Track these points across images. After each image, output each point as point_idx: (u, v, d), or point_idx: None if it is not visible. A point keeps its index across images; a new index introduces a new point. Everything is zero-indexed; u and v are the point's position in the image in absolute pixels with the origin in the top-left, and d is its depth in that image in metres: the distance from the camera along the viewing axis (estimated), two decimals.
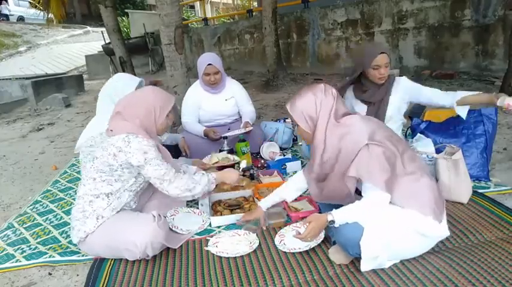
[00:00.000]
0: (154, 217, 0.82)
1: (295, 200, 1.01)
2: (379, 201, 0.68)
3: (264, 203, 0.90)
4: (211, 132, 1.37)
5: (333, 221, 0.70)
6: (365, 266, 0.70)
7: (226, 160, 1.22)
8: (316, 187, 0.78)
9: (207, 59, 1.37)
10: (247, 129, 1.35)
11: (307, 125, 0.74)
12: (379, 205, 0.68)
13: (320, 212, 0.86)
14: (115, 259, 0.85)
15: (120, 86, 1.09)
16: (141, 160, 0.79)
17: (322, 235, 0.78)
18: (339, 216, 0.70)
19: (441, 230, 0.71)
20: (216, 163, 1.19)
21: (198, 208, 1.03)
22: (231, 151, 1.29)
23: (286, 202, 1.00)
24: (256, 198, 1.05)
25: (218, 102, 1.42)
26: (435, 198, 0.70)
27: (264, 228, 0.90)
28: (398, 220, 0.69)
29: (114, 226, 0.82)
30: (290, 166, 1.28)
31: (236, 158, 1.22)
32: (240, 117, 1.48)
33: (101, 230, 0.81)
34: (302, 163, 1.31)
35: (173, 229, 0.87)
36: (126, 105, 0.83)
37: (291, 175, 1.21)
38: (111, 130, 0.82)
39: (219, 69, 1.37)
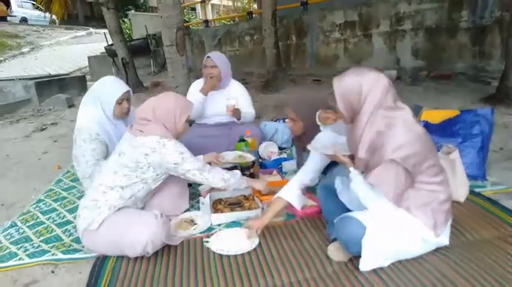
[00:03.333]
0: (157, 215, 0.83)
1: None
2: (384, 207, 0.68)
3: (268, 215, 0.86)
4: (205, 87, 1.35)
5: (349, 171, 0.70)
6: (364, 265, 0.70)
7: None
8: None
9: (209, 54, 1.41)
10: (231, 107, 1.32)
11: (344, 107, 0.70)
12: (384, 209, 0.68)
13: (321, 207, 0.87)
14: (117, 257, 0.86)
15: (103, 93, 1.06)
16: (179, 159, 0.86)
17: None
18: (357, 179, 0.70)
19: (442, 239, 0.72)
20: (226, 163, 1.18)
21: (199, 209, 1.04)
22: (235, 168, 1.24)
23: None
24: (256, 196, 1.05)
25: (219, 100, 1.42)
26: (443, 214, 0.70)
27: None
28: (401, 222, 0.69)
29: (117, 221, 0.83)
30: (286, 166, 1.29)
31: (250, 156, 1.18)
32: None
33: (104, 224, 0.83)
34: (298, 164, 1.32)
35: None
36: (152, 109, 0.88)
37: (289, 174, 1.22)
38: (141, 131, 0.86)
39: (216, 63, 1.37)
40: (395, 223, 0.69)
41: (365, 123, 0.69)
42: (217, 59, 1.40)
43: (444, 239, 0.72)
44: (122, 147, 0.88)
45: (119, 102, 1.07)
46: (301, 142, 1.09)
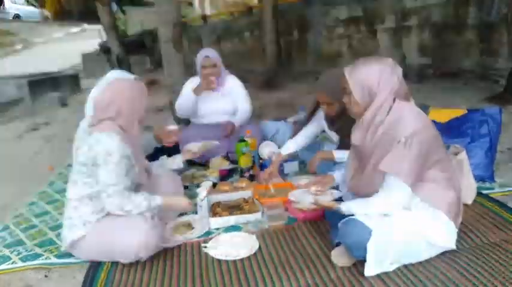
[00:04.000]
0: (147, 218, 0.80)
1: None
2: (395, 201, 0.67)
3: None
4: (200, 87, 1.31)
5: (339, 208, 0.69)
6: (369, 270, 0.68)
7: (225, 164, 1.21)
8: (352, 178, 0.75)
9: (205, 52, 1.35)
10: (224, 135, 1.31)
11: (363, 96, 0.68)
12: (396, 206, 0.66)
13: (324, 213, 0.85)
14: (112, 262, 0.84)
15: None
16: (101, 160, 0.77)
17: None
18: (349, 208, 0.69)
19: (449, 242, 0.70)
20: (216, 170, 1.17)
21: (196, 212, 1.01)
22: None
23: (290, 204, 0.98)
24: (256, 199, 1.03)
25: (215, 98, 1.39)
26: (454, 208, 0.69)
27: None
28: (407, 226, 0.68)
29: (104, 230, 0.80)
30: (287, 166, 1.26)
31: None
32: None
33: (91, 234, 0.80)
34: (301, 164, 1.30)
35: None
36: (101, 101, 0.80)
37: (290, 176, 1.18)
38: (90, 127, 0.80)
39: (216, 62, 1.34)
40: (401, 225, 0.67)
41: (378, 107, 0.67)
42: (216, 57, 1.38)
43: (451, 243, 0.71)
44: (78, 150, 0.81)
45: None
46: (335, 125, 1.04)
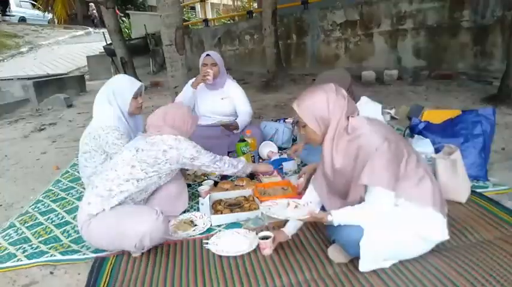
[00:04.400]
0: (157, 211, 0.85)
1: (296, 199, 0.99)
2: (382, 210, 0.67)
3: (289, 229, 0.84)
4: (197, 79, 1.37)
5: (331, 221, 0.69)
6: (364, 266, 0.70)
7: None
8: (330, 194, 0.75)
9: (207, 52, 1.43)
10: (225, 122, 1.35)
11: (317, 126, 0.70)
12: (382, 213, 0.67)
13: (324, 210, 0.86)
14: (116, 258, 0.86)
15: (119, 89, 1.10)
16: (194, 153, 0.95)
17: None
18: (339, 218, 0.69)
19: (442, 234, 0.71)
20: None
21: (199, 209, 1.04)
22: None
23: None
24: (256, 197, 1.05)
25: (214, 99, 1.43)
26: (437, 199, 0.69)
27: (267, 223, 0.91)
28: (399, 222, 0.69)
29: (121, 210, 0.85)
30: (286, 166, 1.28)
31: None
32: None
33: (106, 215, 0.84)
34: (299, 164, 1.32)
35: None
36: (165, 118, 0.96)
37: (290, 175, 1.21)
38: (159, 131, 0.94)
39: (216, 61, 1.39)
40: (393, 222, 0.68)
41: (334, 132, 0.69)
42: (216, 57, 1.42)
43: (443, 235, 0.71)
44: (138, 144, 0.93)
45: (135, 97, 1.11)
46: None
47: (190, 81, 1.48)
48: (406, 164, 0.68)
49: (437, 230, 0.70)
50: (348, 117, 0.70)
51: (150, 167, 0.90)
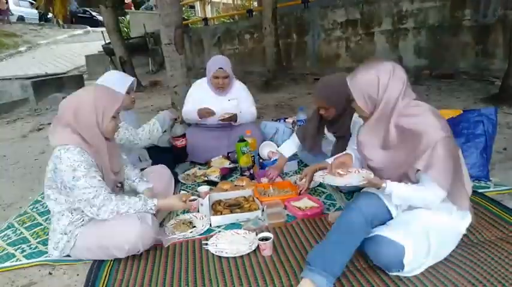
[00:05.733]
0: (139, 217, 0.79)
1: (296, 199, 1.01)
2: (436, 196, 0.64)
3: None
4: (203, 111, 1.36)
5: (384, 188, 0.65)
6: (409, 274, 0.67)
7: (225, 163, 1.25)
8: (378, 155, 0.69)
9: (219, 63, 1.38)
10: (226, 116, 1.34)
11: (365, 104, 0.68)
12: (435, 200, 0.64)
13: (324, 210, 0.87)
14: (115, 259, 0.85)
15: (111, 85, 1.06)
16: (70, 179, 0.72)
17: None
18: (394, 188, 0.65)
19: (468, 221, 0.69)
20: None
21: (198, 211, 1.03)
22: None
23: (288, 202, 1.00)
24: (257, 198, 1.04)
25: (221, 102, 1.41)
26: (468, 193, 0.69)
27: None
28: (436, 226, 0.67)
29: (97, 229, 0.80)
30: (287, 166, 1.28)
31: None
32: None
33: (84, 235, 0.80)
34: (299, 164, 1.31)
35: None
36: (62, 111, 0.76)
37: (290, 175, 1.21)
38: (51, 134, 0.76)
39: (228, 74, 1.38)
40: (428, 227, 0.65)
41: (389, 112, 0.65)
42: (228, 67, 1.37)
43: (469, 220, 0.69)
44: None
45: (127, 92, 1.10)
46: (330, 125, 1.08)
47: (195, 88, 1.45)
48: (459, 165, 0.66)
49: (467, 219, 0.69)
50: (406, 98, 0.65)
51: (59, 194, 0.74)
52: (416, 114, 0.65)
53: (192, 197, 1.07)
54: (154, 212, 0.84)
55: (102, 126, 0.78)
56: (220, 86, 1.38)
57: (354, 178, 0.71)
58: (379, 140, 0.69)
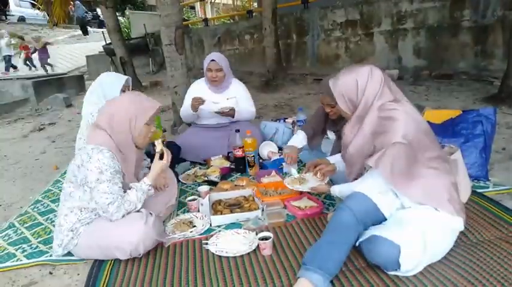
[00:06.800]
0: (143, 216, 0.81)
1: (296, 199, 1.02)
2: (376, 182, 0.69)
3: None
4: (193, 102, 1.35)
5: (330, 191, 0.79)
6: (407, 274, 0.67)
7: (225, 163, 1.26)
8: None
9: (212, 56, 1.39)
10: (223, 110, 1.33)
11: (346, 106, 0.74)
12: (377, 182, 0.69)
13: (324, 210, 0.90)
14: (115, 259, 0.85)
15: (106, 88, 1.09)
16: (93, 180, 0.75)
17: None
18: (338, 189, 0.79)
19: (461, 220, 0.70)
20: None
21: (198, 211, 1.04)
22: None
23: (288, 201, 1.01)
24: (258, 197, 1.05)
25: (219, 100, 1.41)
26: (453, 197, 0.69)
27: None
28: (431, 223, 0.67)
29: (101, 229, 0.81)
30: (287, 166, 1.28)
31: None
32: None
33: (87, 234, 0.81)
34: (299, 164, 1.32)
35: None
36: (100, 115, 0.81)
37: (289, 175, 1.21)
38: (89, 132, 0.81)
39: (221, 67, 1.37)
40: (426, 225, 0.66)
41: (367, 110, 0.71)
42: (221, 61, 1.38)
43: (462, 221, 0.70)
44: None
45: (123, 90, 1.12)
46: (333, 124, 1.09)
47: (193, 86, 1.46)
48: (425, 163, 0.68)
49: (459, 218, 0.69)
50: (383, 99, 0.70)
51: (77, 189, 0.77)
52: (385, 117, 0.69)
53: (192, 197, 1.08)
54: (152, 189, 0.85)
55: (135, 133, 0.81)
56: (214, 79, 1.36)
57: (305, 184, 0.87)
58: (354, 135, 0.75)
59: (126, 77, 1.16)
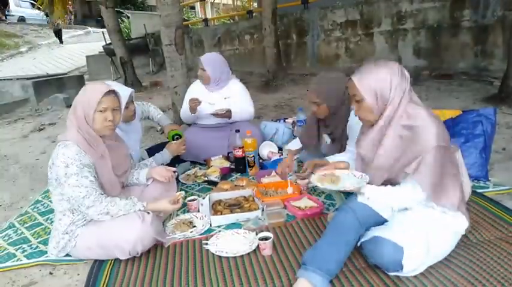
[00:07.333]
0: (140, 215, 0.80)
1: (296, 199, 1.01)
2: (415, 196, 0.65)
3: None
4: (191, 104, 1.36)
5: (363, 194, 0.67)
6: (409, 275, 0.67)
7: (225, 163, 1.25)
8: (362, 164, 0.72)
9: (203, 56, 1.43)
10: (218, 111, 1.33)
11: (375, 103, 0.66)
12: (413, 200, 0.65)
13: (324, 210, 0.87)
14: (115, 259, 0.85)
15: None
16: (62, 175, 0.72)
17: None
18: (372, 193, 0.67)
19: (465, 223, 0.70)
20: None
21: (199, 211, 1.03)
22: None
23: (288, 201, 1.00)
24: (258, 198, 1.05)
25: (216, 100, 1.42)
26: (461, 196, 0.69)
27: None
28: (434, 225, 0.67)
29: (100, 228, 0.81)
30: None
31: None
32: None
33: (86, 235, 0.81)
34: (299, 163, 1.32)
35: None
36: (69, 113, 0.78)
37: (289, 175, 1.20)
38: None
39: (204, 67, 1.38)
40: (428, 226, 0.66)
41: (393, 113, 0.66)
42: (207, 61, 1.39)
43: (466, 223, 0.69)
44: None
45: (126, 106, 1.08)
46: (324, 126, 1.06)
47: (192, 87, 1.47)
48: (451, 173, 0.66)
49: (463, 221, 0.69)
50: (409, 100, 0.65)
51: (59, 193, 0.74)
52: (415, 118, 0.65)
53: (192, 197, 1.07)
54: (142, 209, 0.83)
55: (90, 120, 0.77)
56: (200, 77, 1.39)
57: (346, 182, 0.72)
58: (377, 142, 0.70)
59: (130, 90, 1.08)
